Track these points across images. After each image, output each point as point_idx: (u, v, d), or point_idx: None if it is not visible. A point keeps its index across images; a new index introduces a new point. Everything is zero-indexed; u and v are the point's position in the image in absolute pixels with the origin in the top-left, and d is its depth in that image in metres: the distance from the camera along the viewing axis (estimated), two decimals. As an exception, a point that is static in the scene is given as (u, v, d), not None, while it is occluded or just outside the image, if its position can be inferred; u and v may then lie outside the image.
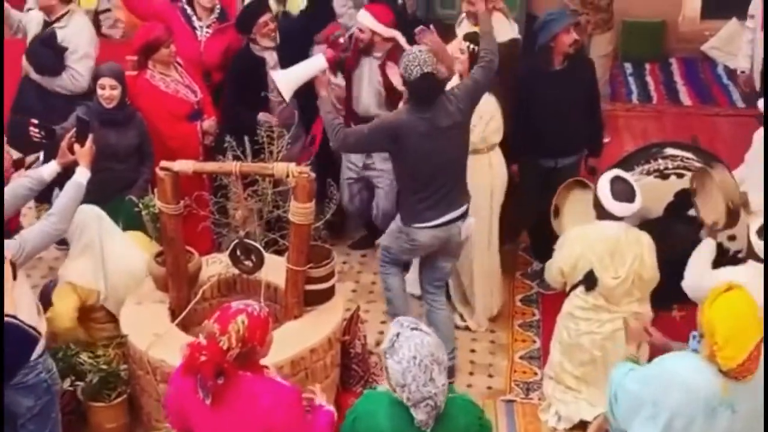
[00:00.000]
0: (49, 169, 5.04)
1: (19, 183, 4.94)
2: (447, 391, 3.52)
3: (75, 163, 5.00)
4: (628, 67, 9.81)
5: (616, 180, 5.20)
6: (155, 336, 4.98)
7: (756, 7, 7.39)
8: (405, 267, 6.19)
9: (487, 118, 5.94)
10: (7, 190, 4.80)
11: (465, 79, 5.65)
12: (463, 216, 5.58)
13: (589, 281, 5.21)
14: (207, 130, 6.36)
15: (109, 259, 5.47)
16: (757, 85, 7.47)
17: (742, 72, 7.67)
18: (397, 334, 3.52)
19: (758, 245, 4.87)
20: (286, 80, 5.45)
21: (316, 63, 5.53)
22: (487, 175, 6.09)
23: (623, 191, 5.15)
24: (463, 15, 6.76)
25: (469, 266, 6.27)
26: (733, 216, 5.21)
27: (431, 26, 6.48)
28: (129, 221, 5.70)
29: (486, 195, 6.12)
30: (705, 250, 5.14)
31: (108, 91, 5.85)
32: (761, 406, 3.81)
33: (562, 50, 6.27)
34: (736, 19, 9.71)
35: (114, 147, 5.85)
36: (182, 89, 6.32)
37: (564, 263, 5.25)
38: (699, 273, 5.01)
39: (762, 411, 3.83)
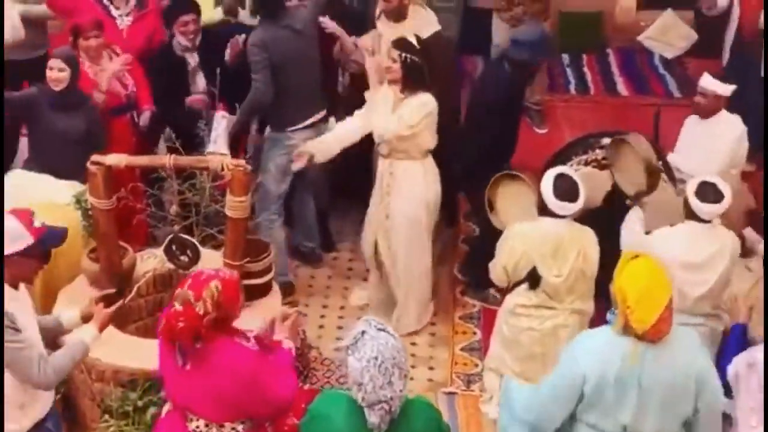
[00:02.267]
0: (68, 317, 4.48)
1: (45, 318, 4.51)
2: (403, 396, 3.50)
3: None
4: (566, 58, 9.83)
5: (559, 178, 5.14)
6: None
7: None
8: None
9: (424, 112, 5.81)
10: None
11: None
12: (326, 119, 6.34)
13: (533, 279, 5.17)
14: (143, 123, 6.37)
15: None
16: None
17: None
18: (363, 332, 3.50)
19: (697, 205, 5.02)
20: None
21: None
22: (421, 184, 6.00)
23: (566, 190, 5.10)
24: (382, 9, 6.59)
25: (404, 276, 6.21)
26: (653, 176, 5.39)
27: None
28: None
29: (420, 205, 6.02)
30: (633, 219, 5.24)
31: (55, 73, 5.78)
32: (671, 390, 3.92)
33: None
34: (671, 10, 9.79)
35: (62, 132, 5.76)
36: (111, 81, 6.23)
37: (507, 262, 5.20)
38: (636, 242, 5.08)
39: (675, 397, 3.94)
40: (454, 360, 6.06)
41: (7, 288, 4.00)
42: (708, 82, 6.07)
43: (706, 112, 6.13)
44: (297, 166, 6.04)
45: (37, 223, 4.05)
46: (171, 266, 5.30)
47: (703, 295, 5.05)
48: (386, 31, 6.43)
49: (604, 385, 3.90)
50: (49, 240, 4.11)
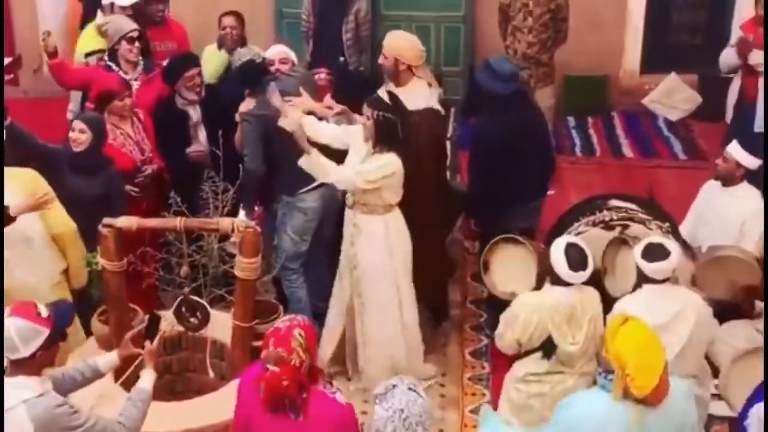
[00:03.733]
0: (106, 361, 4.45)
1: (73, 366, 4.48)
2: None
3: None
4: (571, 120, 9.93)
5: (570, 248, 5.09)
6: (99, 397, 4.86)
7: None
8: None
9: (385, 173, 5.82)
10: (61, 369, 4.42)
11: None
12: None
13: (548, 349, 5.12)
14: (145, 174, 6.41)
15: None
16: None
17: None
18: (394, 386, 3.59)
19: (645, 266, 5.00)
20: None
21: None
22: (382, 236, 6.00)
23: (578, 260, 5.07)
24: None
25: (365, 328, 6.18)
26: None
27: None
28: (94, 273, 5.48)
29: (384, 253, 6.02)
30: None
31: (76, 134, 5.87)
32: None
33: None
34: (675, 74, 9.92)
35: (77, 192, 5.78)
36: (129, 144, 6.35)
37: (521, 335, 5.13)
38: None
39: None
40: (464, 422, 6.02)
41: (34, 380, 3.92)
42: (733, 148, 6.01)
43: (725, 179, 6.06)
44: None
45: (43, 312, 3.94)
46: (180, 328, 5.31)
47: (676, 357, 4.87)
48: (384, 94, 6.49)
49: None
50: (60, 323, 4.03)
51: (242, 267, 4.90)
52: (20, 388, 3.87)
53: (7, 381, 3.89)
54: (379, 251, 6.00)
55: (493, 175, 6.31)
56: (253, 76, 6.34)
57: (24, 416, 3.82)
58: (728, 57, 7.80)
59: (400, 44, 6.42)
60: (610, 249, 5.72)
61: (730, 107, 7.95)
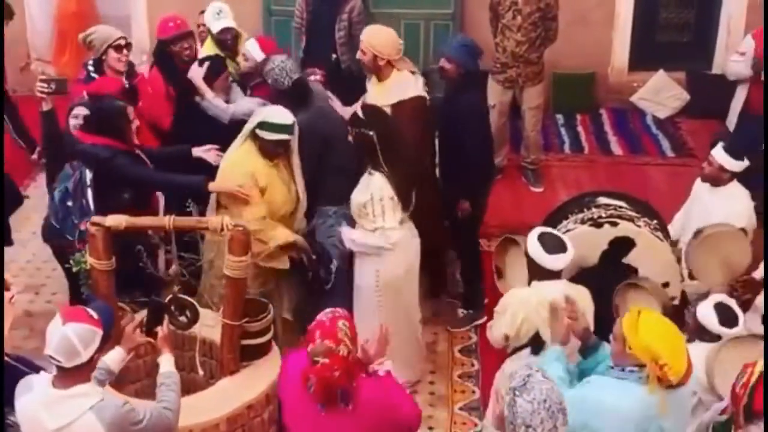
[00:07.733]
0: (113, 359, 4.35)
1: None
2: None
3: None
4: (560, 118, 9.93)
5: (543, 235, 5.17)
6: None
7: None
8: None
9: (377, 197, 5.79)
10: None
11: None
12: None
13: (536, 345, 5.10)
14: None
15: None
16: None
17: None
18: (528, 375, 3.62)
19: (718, 329, 4.98)
20: None
21: None
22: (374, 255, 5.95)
23: (554, 244, 5.12)
24: None
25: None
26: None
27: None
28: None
29: (370, 272, 5.97)
30: None
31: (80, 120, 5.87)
32: (683, 417, 4.12)
33: None
34: (663, 71, 9.93)
35: None
36: None
37: (509, 330, 5.14)
38: None
39: (684, 422, 4.14)
40: (453, 419, 6.04)
41: (89, 386, 3.94)
42: (717, 153, 6.02)
43: (712, 180, 6.08)
44: None
45: (94, 314, 3.96)
46: (170, 327, 5.30)
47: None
48: (370, 89, 6.52)
49: None
50: (107, 323, 4.05)
51: (231, 265, 4.89)
52: (81, 397, 3.87)
53: (61, 394, 3.86)
54: (366, 264, 5.96)
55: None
56: (305, 93, 6.25)
57: (95, 422, 3.84)
58: (738, 67, 7.77)
59: (377, 39, 6.39)
60: (621, 293, 5.63)
61: (734, 112, 7.83)
